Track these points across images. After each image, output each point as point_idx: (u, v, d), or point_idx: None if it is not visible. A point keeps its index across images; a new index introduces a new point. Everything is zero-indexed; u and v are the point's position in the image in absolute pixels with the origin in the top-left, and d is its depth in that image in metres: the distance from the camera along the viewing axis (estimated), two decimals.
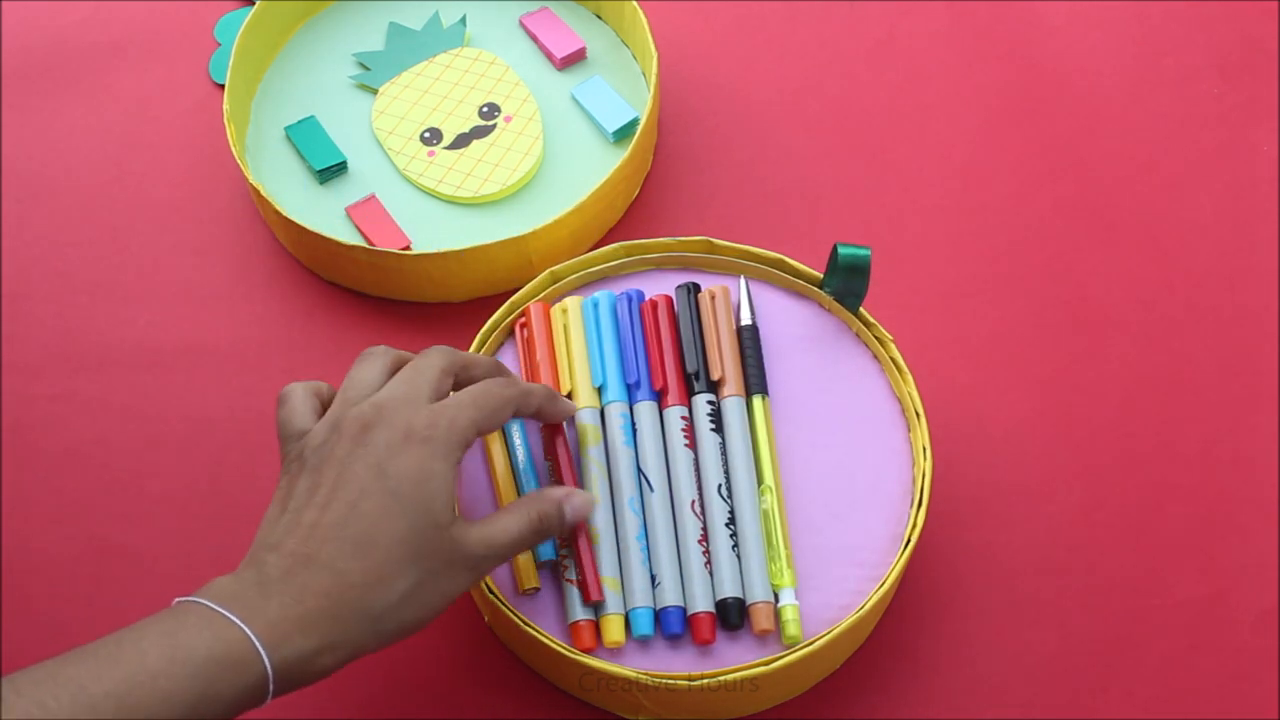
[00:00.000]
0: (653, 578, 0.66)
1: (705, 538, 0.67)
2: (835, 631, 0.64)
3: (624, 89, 0.85)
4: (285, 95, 0.85)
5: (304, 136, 0.83)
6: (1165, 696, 0.68)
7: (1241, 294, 0.79)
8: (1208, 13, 0.88)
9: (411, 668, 0.69)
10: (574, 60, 0.86)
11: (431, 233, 0.80)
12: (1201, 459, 0.74)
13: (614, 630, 0.65)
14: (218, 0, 0.91)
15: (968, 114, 0.85)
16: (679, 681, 0.63)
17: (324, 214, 0.81)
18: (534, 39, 0.87)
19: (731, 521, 0.67)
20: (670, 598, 0.66)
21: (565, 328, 0.71)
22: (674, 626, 0.65)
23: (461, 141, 0.82)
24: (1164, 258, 0.80)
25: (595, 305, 0.72)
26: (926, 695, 0.68)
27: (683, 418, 0.69)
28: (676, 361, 0.70)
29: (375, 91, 0.85)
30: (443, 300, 0.79)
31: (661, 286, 0.73)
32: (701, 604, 0.65)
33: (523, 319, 0.72)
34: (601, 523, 0.67)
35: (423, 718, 0.68)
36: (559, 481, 0.67)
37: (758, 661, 0.64)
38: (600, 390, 0.70)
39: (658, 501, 0.68)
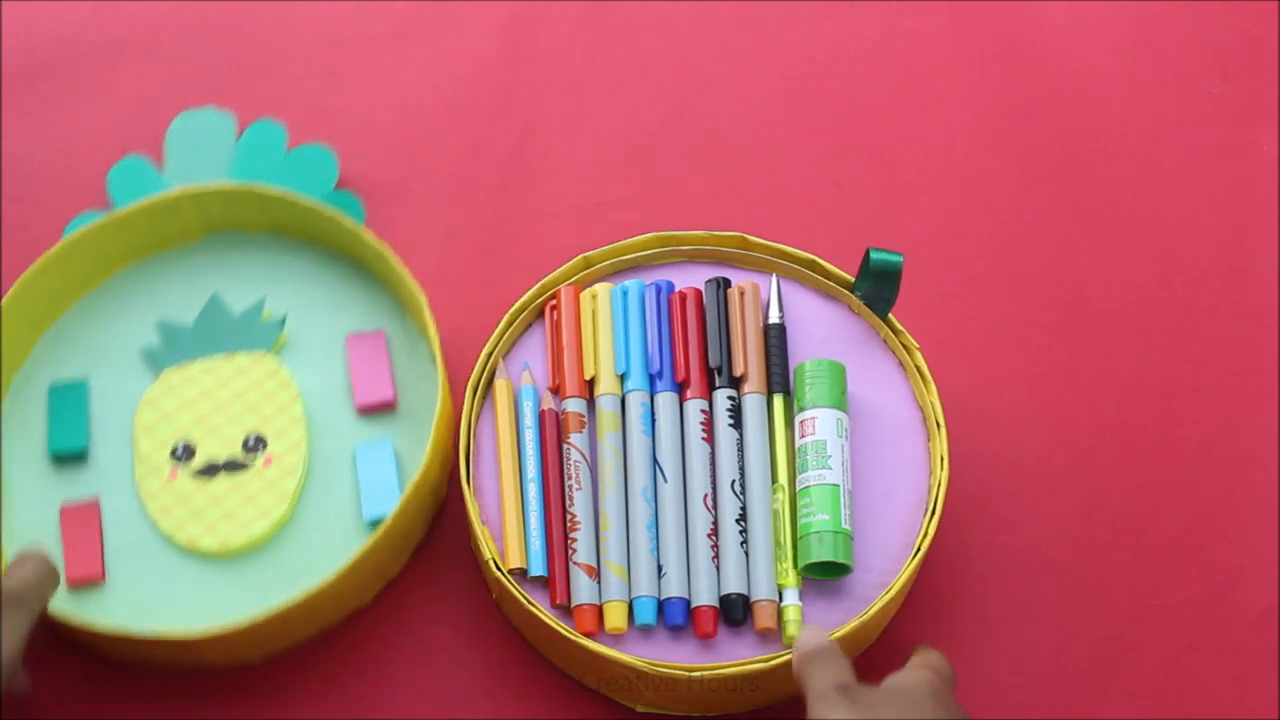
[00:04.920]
0: (659, 568, 0.66)
1: (715, 532, 0.67)
2: (835, 635, 0.63)
3: (412, 460, 0.71)
4: (78, 341, 0.75)
5: (63, 404, 0.73)
6: (1165, 696, 0.68)
7: (1241, 294, 0.79)
8: (1208, 13, 0.88)
9: (412, 660, 0.69)
10: (377, 410, 0.73)
11: (136, 568, 0.69)
12: (1201, 459, 0.74)
13: (616, 616, 0.65)
14: None
15: (967, 114, 0.85)
16: (678, 672, 0.63)
17: (42, 503, 0.71)
18: (349, 369, 0.74)
19: (742, 518, 0.67)
20: (675, 589, 0.66)
21: (594, 313, 0.71)
22: (677, 617, 0.65)
23: (210, 471, 0.71)
24: (1164, 258, 0.80)
25: (624, 293, 0.72)
26: None
27: (702, 411, 0.69)
28: (700, 355, 0.70)
29: (158, 374, 0.74)
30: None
31: (693, 279, 0.73)
32: (705, 597, 0.65)
33: (553, 301, 0.72)
34: (613, 509, 0.67)
35: (425, 710, 0.68)
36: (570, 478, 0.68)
37: (757, 659, 0.64)
38: (623, 378, 0.70)
39: (670, 493, 0.68)
